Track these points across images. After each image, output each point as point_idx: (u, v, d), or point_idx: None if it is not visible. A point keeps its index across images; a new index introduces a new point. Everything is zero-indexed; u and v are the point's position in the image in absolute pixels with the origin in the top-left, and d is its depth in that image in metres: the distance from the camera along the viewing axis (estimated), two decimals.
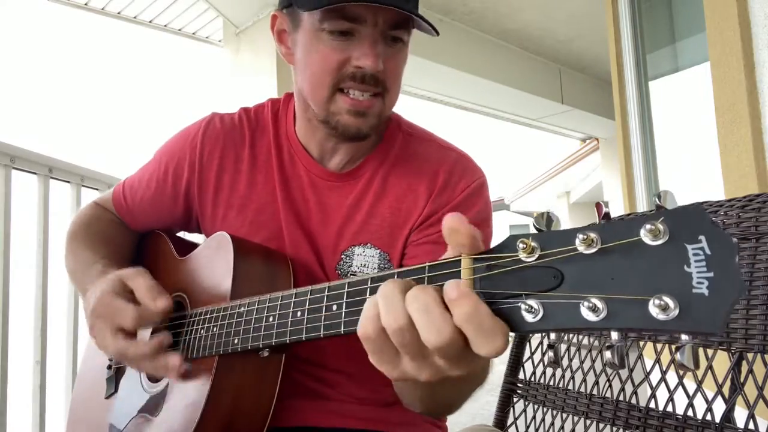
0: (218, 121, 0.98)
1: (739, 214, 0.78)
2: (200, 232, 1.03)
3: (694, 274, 0.36)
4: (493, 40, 5.35)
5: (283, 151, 0.96)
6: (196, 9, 4.43)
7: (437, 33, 0.83)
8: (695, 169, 3.14)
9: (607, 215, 0.41)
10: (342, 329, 0.56)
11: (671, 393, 0.82)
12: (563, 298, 0.40)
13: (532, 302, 0.42)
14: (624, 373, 0.92)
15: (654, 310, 0.36)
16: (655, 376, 0.88)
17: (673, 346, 0.38)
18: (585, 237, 0.40)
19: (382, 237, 0.91)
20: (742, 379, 0.75)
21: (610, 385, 0.93)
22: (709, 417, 0.77)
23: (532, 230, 0.45)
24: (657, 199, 0.39)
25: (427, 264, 0.50)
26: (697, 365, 0.38)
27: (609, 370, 0.95)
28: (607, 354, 0.40)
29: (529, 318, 0.42)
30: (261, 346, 0.68)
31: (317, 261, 0.91)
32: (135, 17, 4.58)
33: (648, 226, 0.37)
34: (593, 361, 1.00)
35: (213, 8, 4.30)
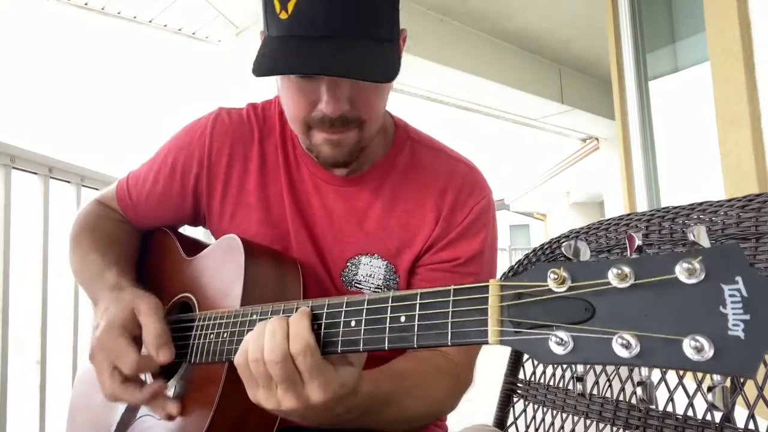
0: (226, 116, 0.96)
1: (739, 214, 0.78)
2: (206, 227, 1.01)
3: (730, 316, 0.35)
4: (493, 40, 5.35)
5: (289, 153, 0.95)
6: (195, 9, 4.42)
7: (393, 77, 0.75)
8: (695, 168, 3.13)
9: (639, 248, 0.41)
10: (361, 347, 0.56)
11: (671, 393, 0.82)
12: (594, 333, 0.40)
13: (561, 334, 0.41)
14: (624, 372, 0.92)
15: (689, 351, 0.36)
16: (655, 376, 0.87)
17: (705, 386, 0.38)
18: (619, 271, 0.39)
19: (389, 249, 0.90)
20: (742, 379, 0.75)
21: (610, 385, 0.93)
22: (709, 417, 0.77)
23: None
24: (691, 235, 0.39)
25: (453, 287, 0.50)
26: (728, 406, 0.37)
27: (609, 370, 0.95)
28: (639, 390, 0.40)
29: (558, 350, 0.41)
30: None
31: (323, 266, 0.91)
32: (135, 17, 4.57)
33: (684, 264, 0.37)
34: None
35: (213, 8, 4.30)
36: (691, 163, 3.19)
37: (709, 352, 0.35)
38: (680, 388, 0.82)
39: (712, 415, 0.77)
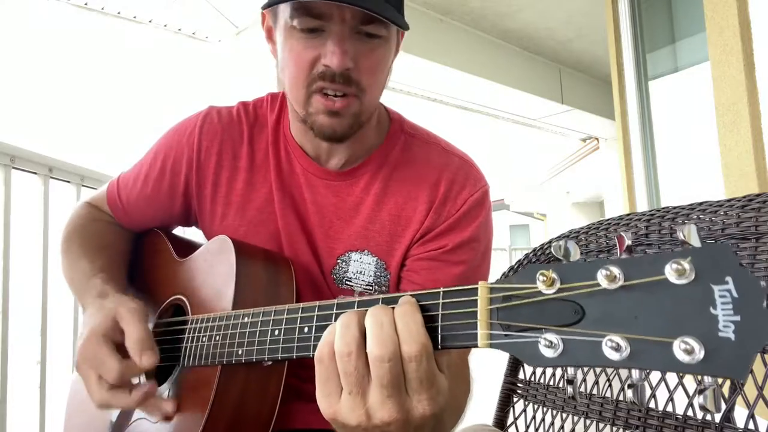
0: (216, 116, 0.95)
1: (739, 214, 0.78)
2: (198, 228, 1.00)
3: (720, 317, 0.35)
4: (493, 40, 5.35)
5: (280, 148, 0.93)
6: (195, 8, 4.42)
7: (406, 27, 0.80)
8: (695, 168, 3.14)
9: (629, 248, 0.40)
10: None
11: (671, 393, 0.82)
12: (584, 335, 0.40)
13: (551, 337, 0.41)
14: (624, 372, 0.92)
15: (678, 353, 0.35)
16: (655, 376, 0.88)
17: (696, 388, 0.38)
18: (608, 272, 0.39)
19: (380, 244, 0.89)
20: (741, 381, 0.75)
21: (610, 385, 0.93)
22: (709, 417, 0.77)
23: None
24: (681, 234, 0.38)
25: (442, 290, 0.49)
26: (719, 408, 0.37)
27: (609, 370, 0.95)
28: (629, 393, 0.39)
29: (548, 353, 0.41)
30: (266, 359, 0.66)
31: (316, 263, 0.90)
32: (134, 17, 4.58)
33: (674, 265, 0.36)
34: None
35: (213, 8, 4.30)
36: (691, 163, 3.20)
37: (699, 354, 0.35)
38: (680, 388, 0.82)
39: (712, 415, 0.77)
